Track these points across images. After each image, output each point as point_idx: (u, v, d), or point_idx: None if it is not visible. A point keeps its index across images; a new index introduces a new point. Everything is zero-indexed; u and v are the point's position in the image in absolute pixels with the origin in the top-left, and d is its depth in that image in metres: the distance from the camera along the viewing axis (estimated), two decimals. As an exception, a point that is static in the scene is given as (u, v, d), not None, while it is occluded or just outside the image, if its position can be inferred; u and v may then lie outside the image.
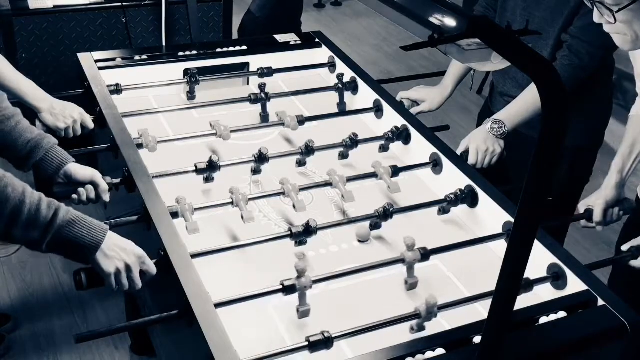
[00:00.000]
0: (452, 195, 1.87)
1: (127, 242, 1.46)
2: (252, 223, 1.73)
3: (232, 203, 1.74)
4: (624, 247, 1.72)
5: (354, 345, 1.44)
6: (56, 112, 1.95)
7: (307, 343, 1.34)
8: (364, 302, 1.59)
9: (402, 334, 1.43)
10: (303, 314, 1.49)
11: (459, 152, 2.06)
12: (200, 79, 2.33)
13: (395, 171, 1.94)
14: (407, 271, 1.62)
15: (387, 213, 1.75)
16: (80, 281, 1.44)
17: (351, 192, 1.85)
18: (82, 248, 1.39)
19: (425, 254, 1.60)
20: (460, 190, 1.88)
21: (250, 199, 1.76)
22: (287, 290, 1.46)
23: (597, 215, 1.84)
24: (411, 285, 1.62)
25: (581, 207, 1.89)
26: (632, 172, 1.88)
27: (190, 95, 2.32)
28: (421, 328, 1.44)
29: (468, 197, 1.87)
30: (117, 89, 2.21)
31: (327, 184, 1.88)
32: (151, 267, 1.48)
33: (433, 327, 1.45)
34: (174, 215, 1.67)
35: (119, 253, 1.43)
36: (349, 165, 2.07)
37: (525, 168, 1.07)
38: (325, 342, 1.35)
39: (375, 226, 1.77)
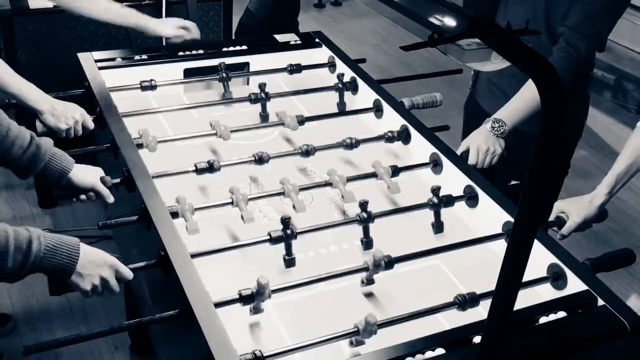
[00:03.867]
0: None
1: (99, 254, 1.46)
2: (251, 223, 1.73)
3: (232, 203, 1.74)
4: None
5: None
6: (57, 113, 1.95)
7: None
8: (363, 301, 1.59)
9: (401, 334, 1.42)
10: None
11: (459, 152, 2.06)
12: (200, 79, 2.33)
13: (395, 171, 1.94)
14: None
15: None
16: (55, 288, 1.46)
17: (351, 192, 1.85)
18: (56, 274, 1.41)
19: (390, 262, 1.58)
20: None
21: (250, 199, 1.76)
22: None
23: (569, 229, 1.80)
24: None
25: (556, 210, 1.84)
26: (619, 191, 1.82)
27: (226, 92, 2.32)
28: (360, 343, 1.42)
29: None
30: (150, 85, 2.23)
31: (327, 183, 1.88)
32: (126, 273, 1.48)
33: (433, 327, 1.45)
34: (174, 215, 1.67)
35: (93, 269, 1.43)
36: (349, 165, 2.07)
37: (525, 167, 1.07)
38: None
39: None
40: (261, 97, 2.25)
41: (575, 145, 2.32)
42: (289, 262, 1.65)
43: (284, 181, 1.82)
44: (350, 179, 1.89)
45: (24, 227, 1.39)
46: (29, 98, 1.92)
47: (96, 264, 1.44)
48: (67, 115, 1.96)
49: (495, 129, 2.07)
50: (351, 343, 1.42)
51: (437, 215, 1.82)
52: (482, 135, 2.08)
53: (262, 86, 2.26)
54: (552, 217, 1.84)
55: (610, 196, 1.80)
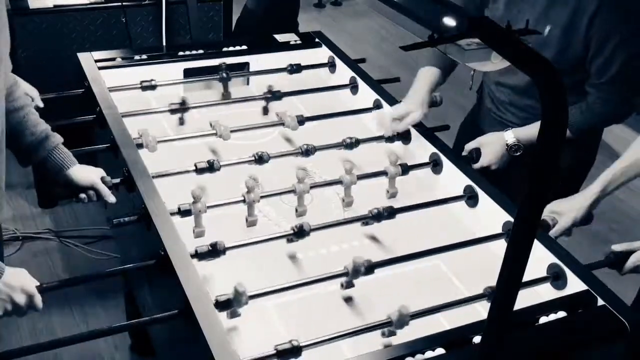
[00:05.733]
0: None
1: (18, 278, 1.45)
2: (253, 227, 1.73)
3: (244, 201, 1.74)
4: (615, 247, 1.67)
5: (353, 345, 1.44)
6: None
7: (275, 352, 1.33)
8: (363, 301, 1.59)
9: (401, 334, 1.42)
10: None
11: (467, 149, 2.05)
12: (200, 79, 2.33)
13: (405, 169, 1.94)
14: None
15: (381, 215, 1.75)
16: None
17: (352, 199, 1.86)
18: None
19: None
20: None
21: (262, 197, 1.77)
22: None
23: (558, 231, 1.77)
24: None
25: (546, 211, 1.79)
26: (610, 194, 1.79)
27: (225, 92, 2.35)
28: (392, 333, 1.44)
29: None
30: (150, 85, 2.24)
31: (338, 182, 1.88)
32: (38, 304, 1.48)
33: (433, 327, 1.45)
34: (186, 213, 1.67)
35: (7, 294, 1.43)
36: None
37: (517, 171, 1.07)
38: (293, 351, 1.33)
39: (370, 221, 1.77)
40: (269, 97, 2.30)
41: (587, 173, 2.22)
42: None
43: (301, 177, 1.81)
44: (361, 177, 1.89)
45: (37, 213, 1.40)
46: None
47: (11, 288, 1.43)
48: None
49: (513, 150, 2.02)
50: (383, 334, 1.44)
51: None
52: (495, 150, 2.03)
53: (270, 87, 2.33)
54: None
55: (601, 196, 1.78)
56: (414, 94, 2.12)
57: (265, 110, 2.30)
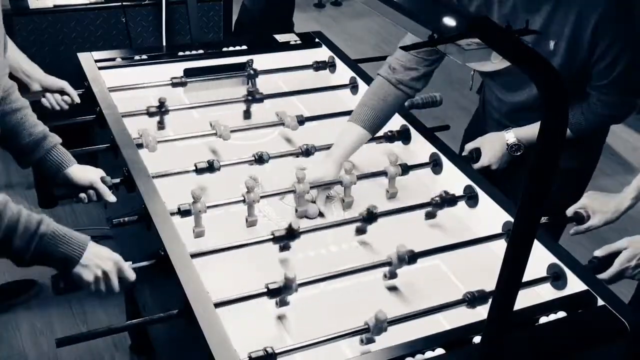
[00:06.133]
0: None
1: (105, 250, 1.48)
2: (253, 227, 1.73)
3: (243, 201, 1.74)
4: (597, 252, 1.65)
5: (354, 345, 1.44)
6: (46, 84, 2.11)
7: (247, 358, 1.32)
8: (363, 302, 1.59)
9: (401, 334, 1.42)
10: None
11: (467, 149, 2.06)
12: (200, 79, 2.33)
13: (405, 169, 1.94)
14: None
15: (371, 216, 1.72)
16: (58, 285, 1.45)
17: (352, 199, 1.86)
18: (60, 261, 1.42)
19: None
20: (446, 192, 1.86)
21: (262, 197, 1.77)
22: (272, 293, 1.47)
23: (586, 229, 1.79)
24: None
25: (579, 203, 1.81)
26: None
27: (254, 89, 2.36)
28: (370, 341, 1.43)
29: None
30: (181, 82, 2.31)
31: (338, 182, 1.88)
32: (128, 273, 1.48)
33: (433, 327, 1.45)
34: (186, 213, 1.67)
35: (97, 262, 1.44)
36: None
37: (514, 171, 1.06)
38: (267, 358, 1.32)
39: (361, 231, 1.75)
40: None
41: (591, 175, 2.22)
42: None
43: (300, 177, 1.81)
44: (361, 177, 1.90)
45: (38, 213, 1.40)
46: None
47: (100, 258, 1.45)
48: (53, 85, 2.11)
49: (514, 150, 2.03)
50: (361, 341, 1.43)
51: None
52: (496, 150, 2.03)
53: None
54: (574, 208, 1.81)
55: (636, 201, 1.77)
56: (337, 155, 1.96)
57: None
